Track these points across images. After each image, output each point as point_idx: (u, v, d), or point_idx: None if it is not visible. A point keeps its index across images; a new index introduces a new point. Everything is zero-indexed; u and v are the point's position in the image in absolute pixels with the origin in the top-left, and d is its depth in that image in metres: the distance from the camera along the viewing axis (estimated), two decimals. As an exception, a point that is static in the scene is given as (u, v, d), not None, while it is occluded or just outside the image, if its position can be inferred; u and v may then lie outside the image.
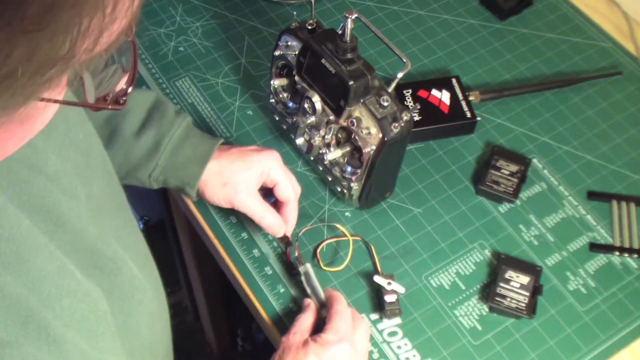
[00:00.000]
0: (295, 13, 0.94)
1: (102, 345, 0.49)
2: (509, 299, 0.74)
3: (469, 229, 0.81)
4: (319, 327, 0.68)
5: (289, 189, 0.76)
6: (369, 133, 0.72)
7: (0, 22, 0.25)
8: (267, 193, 0.77)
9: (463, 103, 0.88)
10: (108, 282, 0.53)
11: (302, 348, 0.64)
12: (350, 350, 0.65)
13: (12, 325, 0.40)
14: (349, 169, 0.77)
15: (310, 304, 0.71)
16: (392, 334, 0.74)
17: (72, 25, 0.27)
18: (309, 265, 0.74)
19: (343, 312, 0.67)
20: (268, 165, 0.75)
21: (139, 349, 0.59)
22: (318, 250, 0.78)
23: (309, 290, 0.73)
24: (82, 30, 0.28)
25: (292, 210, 0.77)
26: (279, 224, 0.75)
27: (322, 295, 0.72)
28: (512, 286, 0.75)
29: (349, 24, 0.69)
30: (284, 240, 0.76)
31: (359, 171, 0.75)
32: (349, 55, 0.71)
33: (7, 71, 0.27)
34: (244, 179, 0.74)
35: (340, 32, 0.71)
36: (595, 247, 0.80)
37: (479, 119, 0.87)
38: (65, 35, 0.27)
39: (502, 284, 0.75)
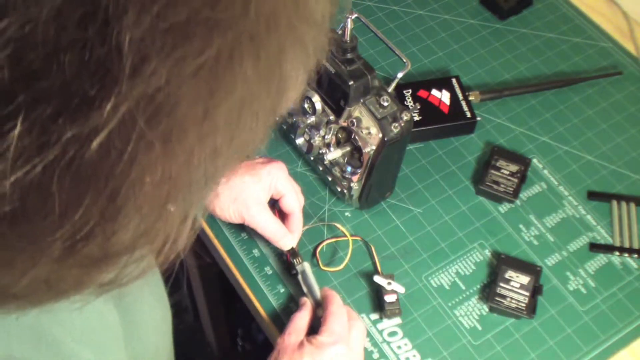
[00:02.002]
0: (295, 13, 0.94)
1: (109, 357, 0.49)
2: (509, 299, 0.74)
3: (469, 229, 0.81)
4: (314, 326, 0.68)
5: (295, 200, 0.76)
6: (369, 133, 0.72)
7: (27, 238, 0.23)
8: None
9: (463, 103, 0.88)
10: (115, 290, 0.53)
11: (297, 350, 0.64)
12: (346, 351, 0.65)
13: (26, 343, 0.41)
14: (349, 169, 0.77)
15: (307, 303, 0.71)
16: (392, 334, 0.74)
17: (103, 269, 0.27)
18: (306, 264, 0.75)
19: (338, 312, 0.67)
20: (276, 178, 0.75)
21: (143, 354, 0.59)
22: (318, 250, 0.78)
23: (305, 289, 0.73)
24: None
25: (297, 222, 0.77)
26: (289, 239, 0.75)
27: (318, 294, 0.72)
28: (512, 286, 0.75)
29: (349, 24, 0.69)
30: (290, 251, 0.76)
31: (359, 171, 0.75)
32: (349, 55, 0.71)
33: (27, 286, 0.26)
34: (254, 194, 0.74)
35: (340, 32, 0.71)
36: (595, 247, 0.80)
37: (479, 119, 0.87)
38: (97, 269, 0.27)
39: (502, 284, 0.75)
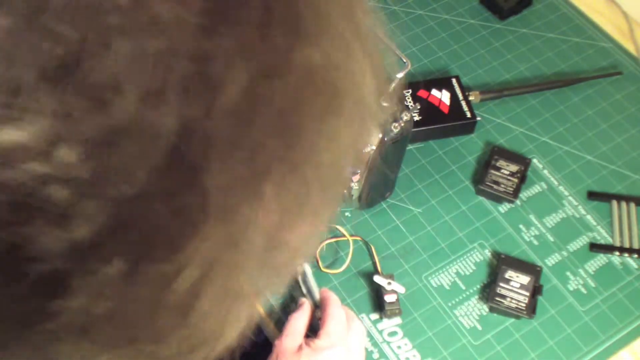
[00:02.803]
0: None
1: None
2: (509, 299, 0.74)
3: (469, 229, 0.81)
4: (314, 327, 0.68)
5: None
6: (369, 133, 0.72)
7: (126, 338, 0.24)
8: None
9: (463, 103, 0.88)
10: None
11: (295, 354, 0.64)
12: (345, 353, 0.65)
13: None
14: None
15: (305, 303, 0.71)
16: (392, 334, 0.74)
17: None
18: (306, 265, 0.74)
19: (336, 315, 0.67)
20: None
21: None
22: (318, 251, 0.78)
23: (304, 290, 0.73)
24: None
25: None
26: None
27: (317, 295, 0.72)
28: (512, 286, 0.75)
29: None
30: None
31: (359, 171, 0.75)
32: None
33: None
34: None
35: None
36: (595, 247, 0.80)
37: (479, 119, 0.87)
38: None
39: (502, 284, 0.75)
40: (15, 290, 0.20)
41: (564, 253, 0.80)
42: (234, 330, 0.27)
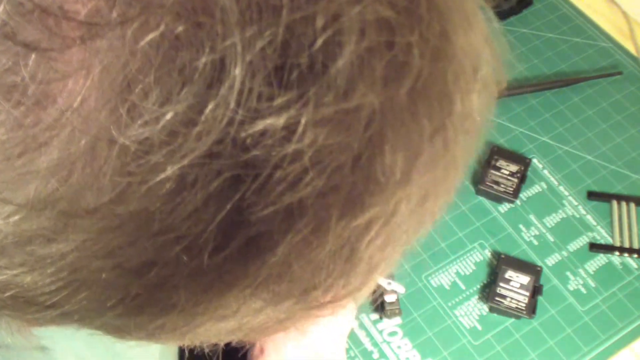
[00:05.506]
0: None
1: None
2: (509, 299, 0.74)
3: (469, 229, 0.81)
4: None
5: None
6: (369, 133, 0.72)
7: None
8: None
9: (463, 103, 0.87)
10: None
11: (283, 336, 0.65)
12: (336, 330, 0.66)
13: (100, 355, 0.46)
14: (349, 169, 0.77)
15: None
16: (392, 334, 0.74)
17: None
18: None
19: None
20: None
21: None
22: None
23: None
24: None
25: None
26: None
27: None
28: (512, 286, 0.75)
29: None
30: None
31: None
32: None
33: None
34: None
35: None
36: (595, 247, 0.80)
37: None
38: None
39: (502, 284, 0.75)
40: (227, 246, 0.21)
41: (564, 253, 0.80)
42: (376, 279, 0.29)
